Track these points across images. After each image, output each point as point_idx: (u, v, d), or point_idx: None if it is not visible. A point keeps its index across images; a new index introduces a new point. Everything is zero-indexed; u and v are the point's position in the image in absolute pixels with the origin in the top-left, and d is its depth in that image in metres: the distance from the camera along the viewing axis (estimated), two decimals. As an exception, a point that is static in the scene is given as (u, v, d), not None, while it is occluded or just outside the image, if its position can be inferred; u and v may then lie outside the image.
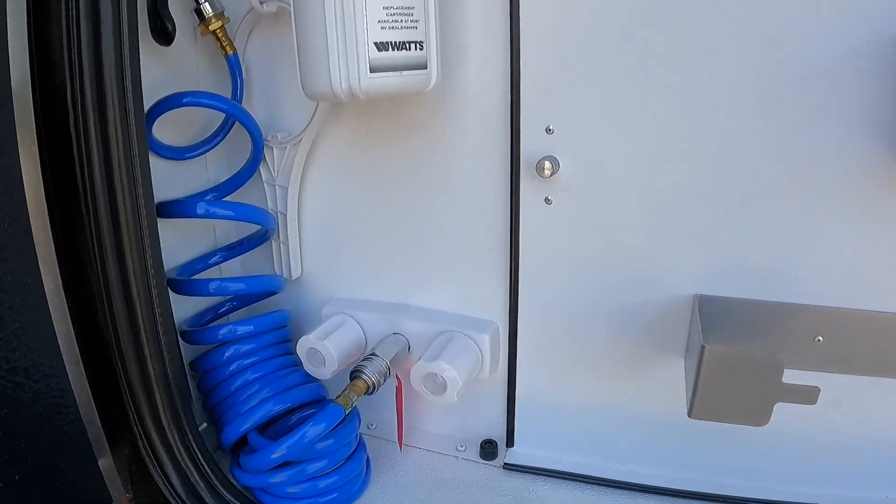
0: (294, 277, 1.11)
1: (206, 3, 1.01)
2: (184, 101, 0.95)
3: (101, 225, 0.82)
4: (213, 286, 0.98)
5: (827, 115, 0.79)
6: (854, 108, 0.77)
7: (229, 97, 1.05)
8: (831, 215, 0.83)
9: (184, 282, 0.98)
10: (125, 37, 0.79)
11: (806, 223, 0.84)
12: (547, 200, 0.94)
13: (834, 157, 0.80)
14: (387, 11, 0.82)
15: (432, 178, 1.00)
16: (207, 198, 1.06)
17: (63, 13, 0.76)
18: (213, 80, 1.09)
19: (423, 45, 0.85)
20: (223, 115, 1.06)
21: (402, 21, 0.83)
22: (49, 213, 0.81)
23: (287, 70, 1.04)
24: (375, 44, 0.81)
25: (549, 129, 0.91)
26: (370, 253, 1.08)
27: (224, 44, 1.04)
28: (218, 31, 1.03)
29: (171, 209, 0.97)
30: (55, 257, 0.82)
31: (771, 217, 0.85)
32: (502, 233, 0.97)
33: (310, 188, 1.09)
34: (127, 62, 0.79)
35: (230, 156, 1.11)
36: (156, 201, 0.96)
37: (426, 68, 0.86)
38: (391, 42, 0.82)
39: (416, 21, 0.84)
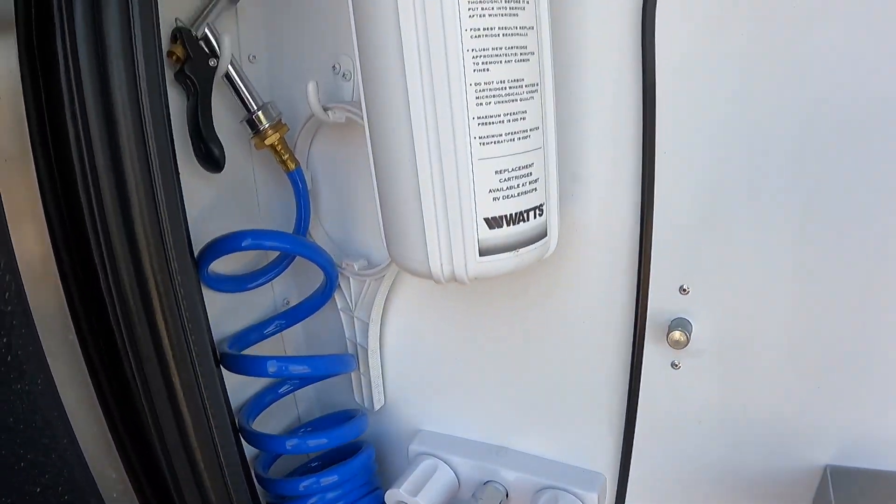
0: (376, 409, 1.01)
1: (260, 112, 0.85)
2: (243, 244, 0.82)
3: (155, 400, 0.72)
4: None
5: None
6: None
7: (293, 217, 0.91)
8: None
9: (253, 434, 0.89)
10: (156, 171, 0.65)
11: None
12: (674, 365, 0.81)
13: None
14: (501, 177, 0.65)
15: (537, 322, 0.86)
16: (272, 327, 0.95)
17: (72, 135, 0.61)
18: (275, 196, 0.95)
19: (544, 208, 0.69)
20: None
21: (519, 185, 0.66)
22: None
23: (361, 181, 0.90)
24: (486, 220, 0.66)
25: (684, 289, 0.77)
26: (463, 389, 0.97)
27: (284, 157, 0.88)
28: (277, 144, 0.86)
29: (236, 364, 0.85)
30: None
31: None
32: (618, 393, 0.85)
33: (394, 322, 0.96)
34: (162, 202, 0.66)
35: (298, 272, 0.98)
36: (217, 339, 0.85)
37: (546, 235, 0.71)
38: (506, 216, 0.66)
39: (536, 180, 0.67)
